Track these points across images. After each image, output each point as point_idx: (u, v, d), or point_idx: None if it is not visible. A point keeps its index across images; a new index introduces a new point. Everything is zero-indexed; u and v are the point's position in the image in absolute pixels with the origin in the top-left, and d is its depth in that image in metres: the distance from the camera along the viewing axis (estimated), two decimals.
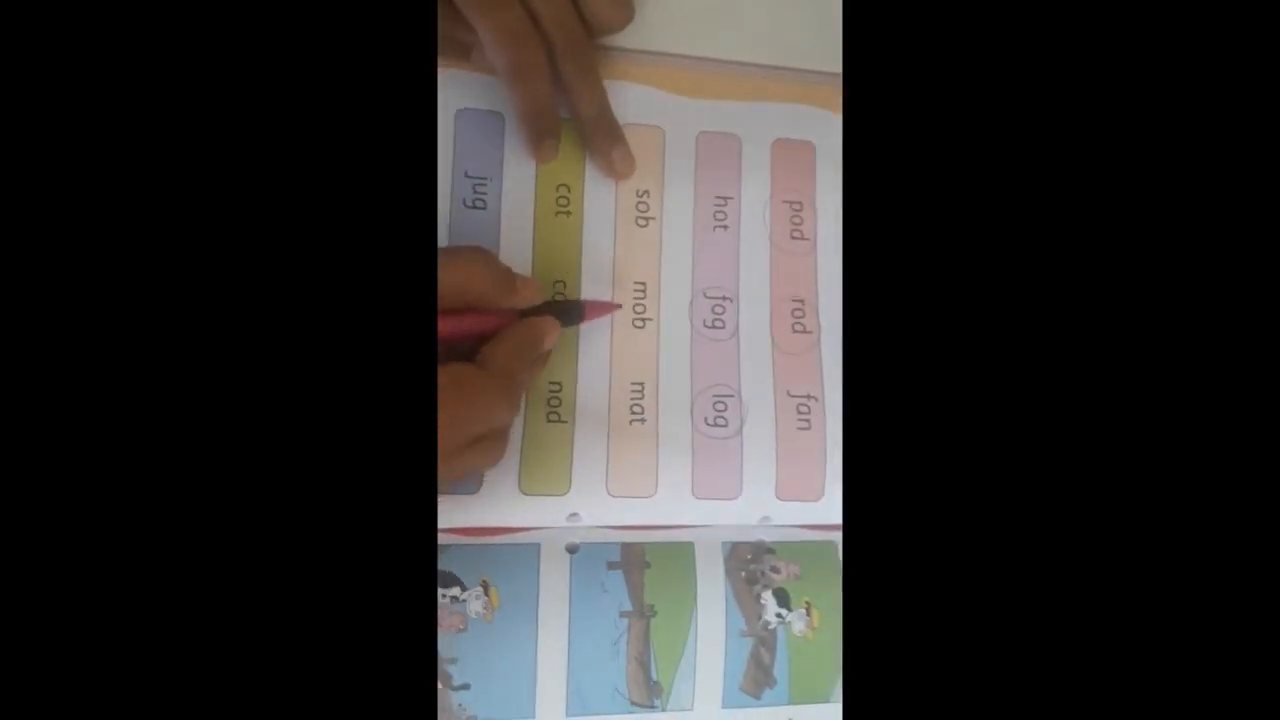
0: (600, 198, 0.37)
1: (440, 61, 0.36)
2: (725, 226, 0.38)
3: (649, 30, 0.38)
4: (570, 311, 0.34)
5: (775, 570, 0.35)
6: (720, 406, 0.37)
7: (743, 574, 0.35)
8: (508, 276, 0.31)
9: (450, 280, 0.29)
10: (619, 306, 0.36)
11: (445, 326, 0.30)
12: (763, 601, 0.35)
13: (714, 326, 0.37)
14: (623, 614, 0.34)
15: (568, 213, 0.37)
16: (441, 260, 0.29)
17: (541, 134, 0.35)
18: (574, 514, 0.34)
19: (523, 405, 0.35)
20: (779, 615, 0.35)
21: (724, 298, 0.38)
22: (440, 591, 0.33)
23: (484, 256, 0.31)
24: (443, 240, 0.35)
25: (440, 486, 0.30)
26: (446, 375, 0.28)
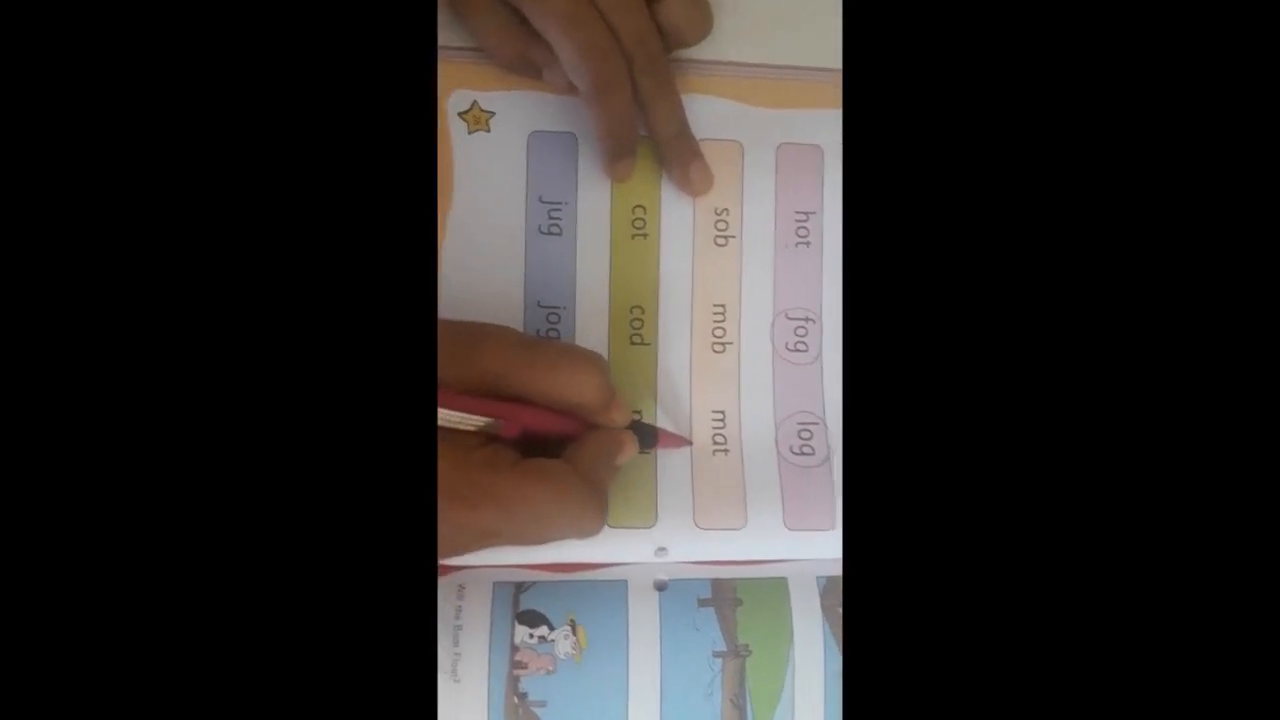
0: (678, 218, 0.36)
1: (514, 82, 0.35)
2: (808, 243, 0.37)
3: (724, 41, 0.37)
4: (644, 436, 0.33)
5: None
6: (806, 434, 0.35)
7: (840, 610, 0.33)
8: (612, 393, 0.30)
9: (566, 381, 0.28)
10: (690, 444, 0.35)
11: (539, 421, 0.29)
12: None
13: (796, 349, 0.36)
14: (716, 654, 0.32)
15: (644, 235, 0.36)
16: (565, 360, 0.29)
17: (620, 152, 0.34)
18: (661, 548, 0.33)
19: None
20: None
21: (807, 319, 0.36)
22: (528, 631, 0.32)
23: (603, 368, 0.30)
24: (519, 266, 0.34)
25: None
26: (539, 469, 0.27)
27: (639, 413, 0.35)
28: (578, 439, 0.30)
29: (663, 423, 0.34)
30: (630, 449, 0.31)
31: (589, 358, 0.30)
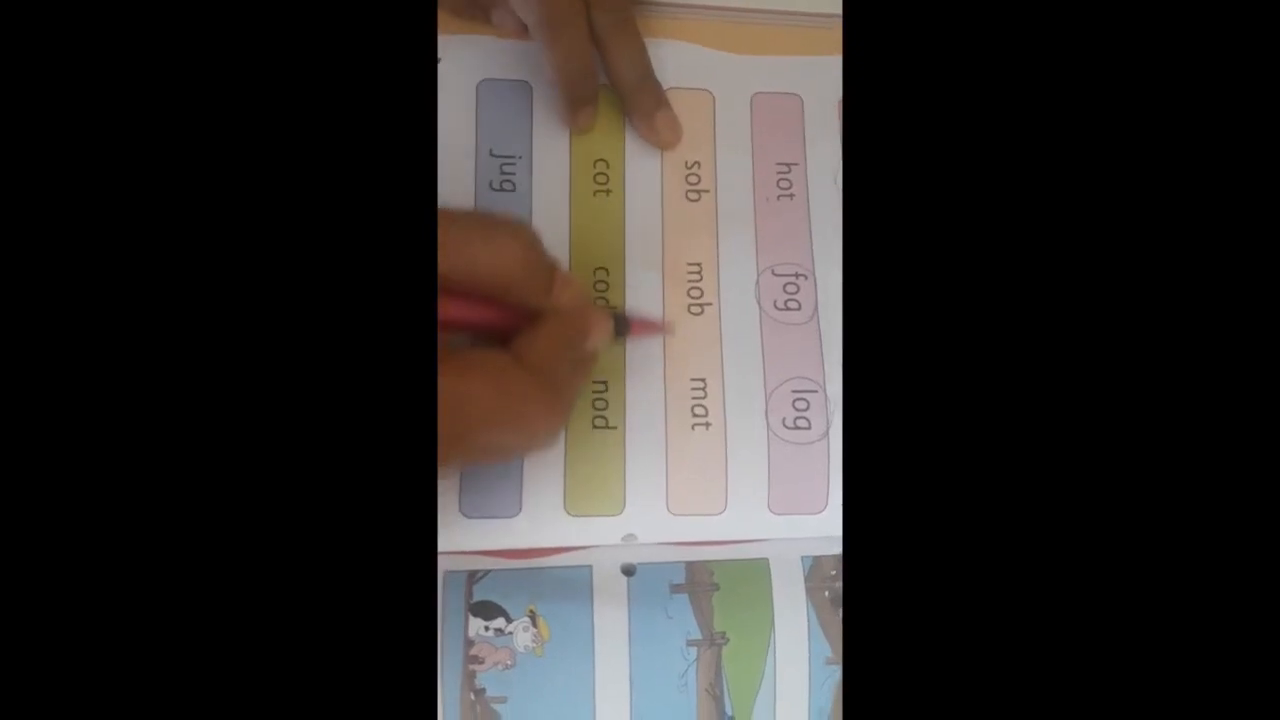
0: (644, 173, 0.33)
1: (460, 26, 0.33)
2: (791, 195, 0.34)
3: None
4: (614, 325, 0.29)
5: None
6: (801, 404, 0.32)
7: (826, 593, 0.30)
8: (548, 269, 0.25)
9: (478, 253, 0.24)
10: (669, 331, 0.32)
11: (460, 311, 0.24)
12: None
13: (787, 308, 0.33)
14: (690, 642, 0.29)
15: (607, 191, 0.33)
16: (474, 230, 0.24)
17: (579, 99, 0.31)
18: (630, 534, 0.30)
19: None
20: None
21: (797, 274, 0.33)
22: (483, 624, 0.29)
23: (526, 237, 0.25)
24: None
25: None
26: (471, 361, 0.23)
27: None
28: (526, 329, 0.25)
29: (633, 395, 0.31)
30: (601, 330, 0.26)
31: (509, 223, 0.25)
